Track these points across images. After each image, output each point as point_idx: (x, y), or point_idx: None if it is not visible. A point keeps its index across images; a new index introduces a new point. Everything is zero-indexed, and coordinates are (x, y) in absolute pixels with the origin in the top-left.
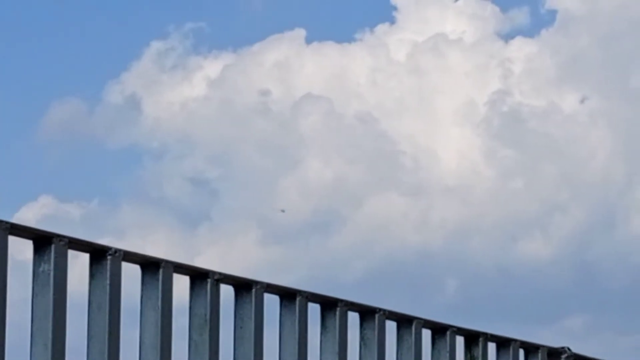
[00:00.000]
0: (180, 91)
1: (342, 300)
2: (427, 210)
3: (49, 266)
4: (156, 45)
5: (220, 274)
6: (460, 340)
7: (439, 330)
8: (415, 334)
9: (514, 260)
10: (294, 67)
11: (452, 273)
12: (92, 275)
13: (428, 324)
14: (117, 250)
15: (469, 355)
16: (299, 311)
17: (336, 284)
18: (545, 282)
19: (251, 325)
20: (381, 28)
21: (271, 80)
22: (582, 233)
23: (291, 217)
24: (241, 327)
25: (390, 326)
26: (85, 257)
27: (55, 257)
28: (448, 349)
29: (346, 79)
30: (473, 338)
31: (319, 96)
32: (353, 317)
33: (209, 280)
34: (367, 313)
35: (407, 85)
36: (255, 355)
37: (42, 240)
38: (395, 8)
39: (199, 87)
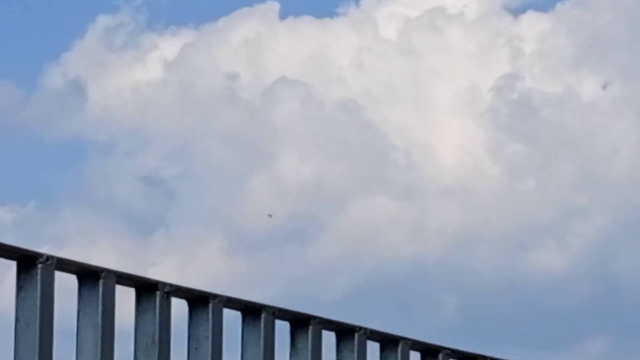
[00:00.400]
0: (131, 75)
1: (315, 317)
2: (422, 215)
3: None
4: (103, 21)
5: (171, 285)
6: None
7: (430, 352)
8: (402, 356)
9: (523, 274)
10: (265, 46)
11: (451, 289)
12: (19, 286)
13: (417, 345)
14: (49, 257)
15: None
16: (265, 329)
17: (315, 302)
18: (561, 299)
19: (208, 346)
20: (368, 0)
21: (239, 62)
22: (605, 242)
23: (262, 223)
24: (196, 349)
25: (373, 347)
26: (13, 265)
27: None
28: None
29: (327, 61)
30: None
31: (294, 81)
32: (328, 337)
33: (158, 293)
34: (345, 332)
35: (398, 68)
36: None
37: None
38: None
39: (154, 70)
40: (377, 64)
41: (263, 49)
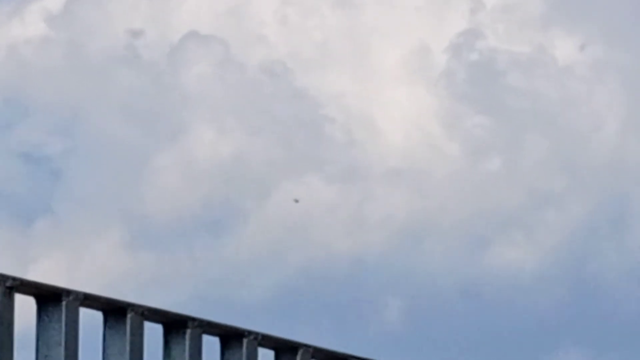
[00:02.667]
0: (7, 31)
1: (194, 319)
2: (363, 203)
3: None
4: None
5: (15, 279)
6: None
7: None
8: None
9: (484, 275)
10: None
11: (395, 292)
12: None
13: (319, 353)
14: None
15: None
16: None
17: (231, 306)
18: (528, 305)
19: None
20: None
21: (139, 16)
22: (583, 237)
23: (169, 211)
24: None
25: (266, 355)
26: None
27: None
28: None
29: (246, 16)
30: None
31: (208, 36)
32: (212, 343)
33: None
34: (231, 337)
35: (333, 25)
36: None
37: None
38: None
39: (35, 26)
40: (307, 20)
41: (168, 0)
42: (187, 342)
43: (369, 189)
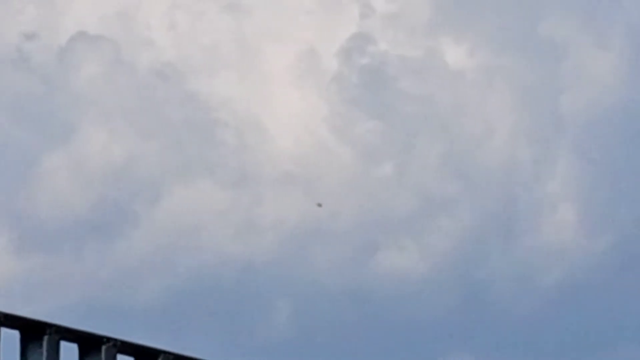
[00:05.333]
0: None
1: (51, 325)
2: (254, 207)
3: None
4: None
5: None
6: None
7: None
8: None
9: (373, 279)
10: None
11: (285, 295)
12: None
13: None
14: None
15: None
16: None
17: (119, 310)
18: (417, 309)
19: None
20: None
21: (28, 17)
22: (473, 243)
23: (59, 214)
24: None
25: None
26: None
27: None
28: None
29: (135, 17)
30: None
31: (97, 37)
32: (71, 349)
33: None
34: (90, 343)
35: (222, 28)
36: None
37: None
38: None
39: None
40: (196, 23)
41: (56, 2)
42: (45, 349)
43: (260, 193)
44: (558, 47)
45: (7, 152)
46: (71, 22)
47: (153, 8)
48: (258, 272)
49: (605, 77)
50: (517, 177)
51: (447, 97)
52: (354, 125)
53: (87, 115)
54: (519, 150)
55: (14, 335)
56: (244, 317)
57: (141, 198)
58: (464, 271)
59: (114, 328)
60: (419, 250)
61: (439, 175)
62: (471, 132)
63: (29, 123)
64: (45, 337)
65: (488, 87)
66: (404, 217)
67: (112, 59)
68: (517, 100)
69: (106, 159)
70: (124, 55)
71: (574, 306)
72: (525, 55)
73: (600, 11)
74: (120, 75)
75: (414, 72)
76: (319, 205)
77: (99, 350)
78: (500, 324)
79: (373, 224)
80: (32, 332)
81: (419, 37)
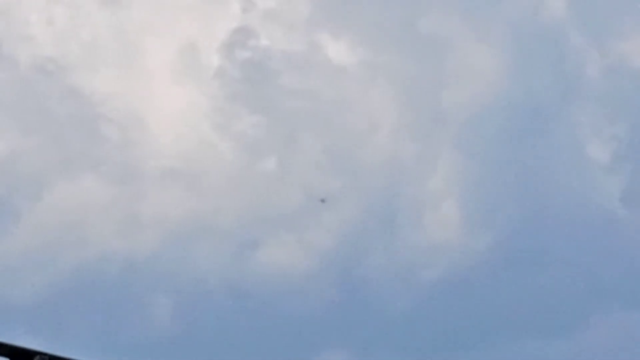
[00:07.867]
0: None
1: (35, 352)
2: (137, 203)
3: None
4: None
5: None
6: None
7: None
8: None
9: (253, 274)
10: None
11: (165, 291)
12: None
13: None
14: None
15: None
16: None
17: (3, 305)
18: (296, 304)
19: None
20: None
21: None
22: (354, 238)
23: None
24: None
25: None
26: None
27: None
28: None
29: (14, 13)
30: None
31: None
32: None
33: None
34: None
35: (101, 23)
36: None
37: None
38: None
39: None
40: (74, 19)
41: None
42: None
43: (143, 189)
44: (439, 43)
45: None
46: None
47: (32, 3)
48: (140, 268)
49: (487, 73)
50: (400, 173)
51: (330, 93)
52: (237, 120)
53: None
54: (401, 146)
55: None
56: (125, 313)
57: (23, 193)
58: (346, 267)
59: None
60: (299, 246)
61: (322, 170)
62: (354, 128)
63: None
64: None
65: (370, 83)
66: (286, 212)
67: None
68: (400, 96)
69: None
70: (4, 50)
71: (454, 302)
72: (407, 51)
73: (481, 8)
74: (0, 70)
75: (296, 67)
76: (322, 200)
77: None
78: (379, 320)
79: (256, 219)
80: None
81: (300, 33)
